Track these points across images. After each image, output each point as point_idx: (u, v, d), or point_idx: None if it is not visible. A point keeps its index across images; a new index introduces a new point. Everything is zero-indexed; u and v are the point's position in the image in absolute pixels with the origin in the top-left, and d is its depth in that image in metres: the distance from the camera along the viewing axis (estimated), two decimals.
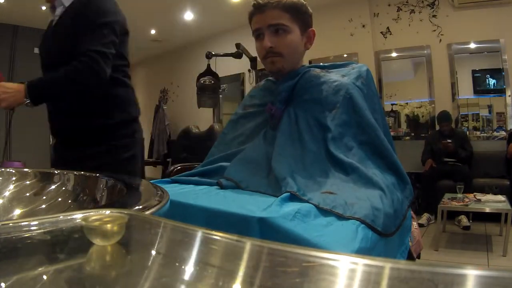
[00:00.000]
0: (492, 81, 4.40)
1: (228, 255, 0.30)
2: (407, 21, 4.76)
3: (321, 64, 1.15)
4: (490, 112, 4.50)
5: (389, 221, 0.74)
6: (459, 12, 4.46)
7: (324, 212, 0.71)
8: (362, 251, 0.62)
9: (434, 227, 3.53)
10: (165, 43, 6.79)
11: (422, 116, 4.61)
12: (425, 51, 4.68)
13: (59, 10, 1.34)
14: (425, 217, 3.80)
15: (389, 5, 4.86)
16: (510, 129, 4.22)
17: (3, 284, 0.27)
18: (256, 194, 0.84)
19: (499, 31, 4.24)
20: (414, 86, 4.91)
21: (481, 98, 4.51)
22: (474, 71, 4.49)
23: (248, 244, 0.29)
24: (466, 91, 4.53)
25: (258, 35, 1.03)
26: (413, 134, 4.69)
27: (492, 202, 3.14)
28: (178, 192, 0.85)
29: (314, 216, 0.68)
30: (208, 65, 2.49)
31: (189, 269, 0.29)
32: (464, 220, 3.61)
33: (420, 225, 3.56)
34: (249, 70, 5.69)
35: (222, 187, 0.89)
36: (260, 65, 1.29)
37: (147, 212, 0.46)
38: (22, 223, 0.34)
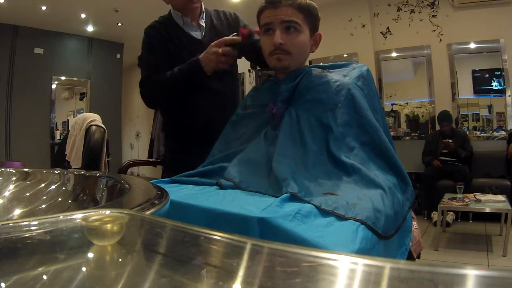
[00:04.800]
0: (492, 81, 4.40)
1: (228, 255, 0.30)
2: (407, 21, 4.77)
3: (322, 64, 1.15)
4: (490, 112, 4.50)
5: (389, 223, 0.74)
6: (459, 12, 4.46)
7: (324, 212, 0.70)
8: (361, 252, 0.62)
9: (434, 227, 3.53)
10: None
11: (422, 116, 4.61)
12: (425, 51, 4.68)
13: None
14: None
15: (389, 5, 4.86)
16: (510, 129, 4.22)
17: (3, 284, 0.27)
18: (256, 194, 0.83)
19: (499, 31, 4.24)
20: (414, 86, 4.91)
21: (481, 98, 4.51)
22: (474, 71, 4.49)
23: (248, 244, 0.29)
24: (466, 91, 4.53)
25: (267, 29, 1.02)
26: (413, 134, 4.69)
27: (492, 202, 3.14)
28: (178, 192, 0.85)
29: (314, 217, 0.68)
30: None
31: (189, 269, 0.29)
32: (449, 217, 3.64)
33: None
34: (249, 70, 5.69)
35: (221, 187, 0.89)
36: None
37: (147, 212, 0.46)
38: (22, 223, 0.34)
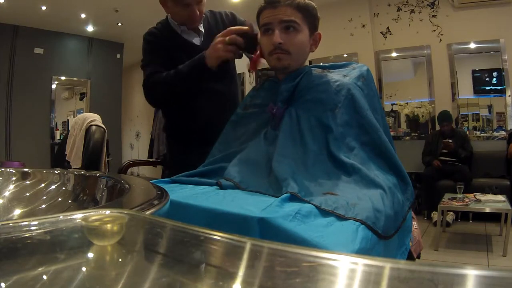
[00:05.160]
0: (492, 81, 4.40)
1: (228, 255, 0.30)
2: (407, 21, 4.77)
3: (322, 64, 1.15)
4: (490, 112, 4.50)
5: (389, 223, 0.74)
6: (459, 12, 4.46)
7: (324, 212, 0.70)
8: (361, 252, 0.62)
9: (434, 227, 3.53)
10: None
11: (422, 116, 4.61)
12: (425, 51, 4.68)
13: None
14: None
15: (389, 5, 4.86)
16: (510, 129, 4.22)
17: (3, 284, 0.27)
18: (256, 194, 0.83)
19: (499, 31, 4.24)
20: (414, 86, 4.91)
21: (481, 98, 4.51)
22: (474, 71, 4.49)
23: (248, 244, 0.29)
24: (466, 91, 4.53)
25: (266, 29, 1.02)
26: (413, 134, 4.69)
27: (492, 202, 3.13)
28: (178, 192, 0.85)
29: (314, 217, 0.68)
30: None
31: (189, 269, 0.29)
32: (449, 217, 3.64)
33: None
34: (249, 70, 5.68)
35: (221, 187, 0.89)
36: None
37: (147, 212, 0.46)
38: (22, 223, 0.34)
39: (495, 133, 4.34)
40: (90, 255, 0.32)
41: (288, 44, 0.99)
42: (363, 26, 4.91)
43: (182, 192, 0.85)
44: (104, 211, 0.37)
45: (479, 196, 3.26)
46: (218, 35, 1.18)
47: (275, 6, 0.99)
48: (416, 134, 4.66)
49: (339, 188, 0.81)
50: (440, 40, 4.57)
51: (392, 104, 4.91)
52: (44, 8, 5.01)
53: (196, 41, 1.41)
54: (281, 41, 0.98)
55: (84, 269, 0.31)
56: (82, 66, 6.30)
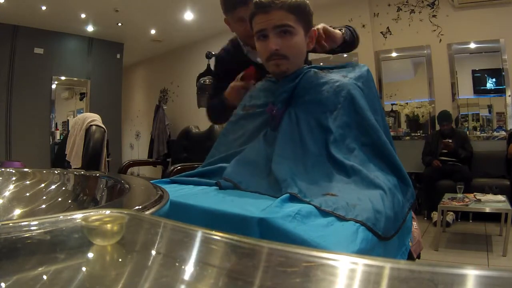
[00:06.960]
0: (492, 81, 4.40)
1: (228, 255, 0.30)
2: (407, 21, 4.77)
3: (322, 64, 1.15)
4: (490, 112, 4.50)
5: (389, 224, 0.74)
6: (459, 12, 4.46)
7: (324, 213, 0.70)
8: (361, 253, 0.62)
9: (434, 227, 3.53)
10: (165, 43, 6.79)
11: (422, 116, 4.61)
12: (425, 51, 4.68)
13: None
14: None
15: (389, 5, 4.86)
16: (510, 129, 4.22)
17: (3, 284, 0.27)
18: (256, 195, 0.83)
19: (499, 31, 4.24)
20: (414, 86, 4.91)
21: (481, 98, 4.51)
22: (474, 71, 4.49)
23: (248, 244, 0.29)
24: (466, 91, 4.53)
25: (261, 36, 1.01)
26: (413, 134, 4.69)
27: (492, 202, 3.13)
28: (177, 192, 0.85)
29: (314, 217, 0.68)
30: (208, 65, 2.49)
31: (189, 269, 0.29)
32: (449, 217, 3.64)
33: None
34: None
35: (221, 188, 0.89)
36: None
37: (147, 212, 0.46)
38: (22, 223, 0.34)
39: (495, 133, 4.33)
40: (90, 255, 0.32)
41: (285, 49, 0.98)
42: (363, 26, 4.91)
43: (182, 192, 0.85)
44: (104, 211, 0.37)
45: (479, 196, 3.26)
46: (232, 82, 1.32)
47: (266, 10, 0.97)
48: (416, 134, 4.66)
49: (339, 189, 0.81)
50: (440, 40, 4.57)
51: (392, 104, 4.91)
52: (44, 8, 5.01)
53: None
54: (277, 47, 0.97)
55: (84, 269, 0.31)
56: (82, 66, 6.30)
